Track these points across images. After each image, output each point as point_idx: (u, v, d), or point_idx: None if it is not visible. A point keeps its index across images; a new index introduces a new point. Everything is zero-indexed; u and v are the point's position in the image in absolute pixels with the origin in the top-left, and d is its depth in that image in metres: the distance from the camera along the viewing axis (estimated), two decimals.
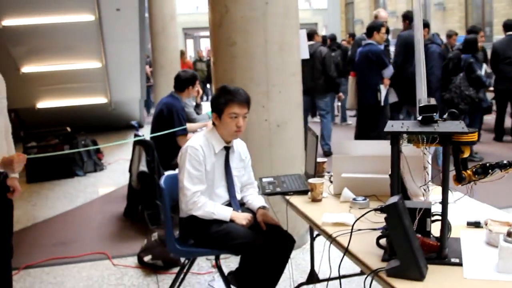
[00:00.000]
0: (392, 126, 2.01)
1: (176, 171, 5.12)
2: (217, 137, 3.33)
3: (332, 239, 2.32)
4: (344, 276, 3.49)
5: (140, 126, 12.88)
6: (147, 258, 4.30)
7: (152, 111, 13.20)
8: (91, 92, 10.45)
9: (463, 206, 2.60)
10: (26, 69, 8.84)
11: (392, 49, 7.78)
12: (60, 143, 8.12)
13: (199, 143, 3.28)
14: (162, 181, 3.46)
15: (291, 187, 3.19)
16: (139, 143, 5.36)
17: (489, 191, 2.67)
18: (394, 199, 1.82)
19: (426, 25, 6.87)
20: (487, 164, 2.05)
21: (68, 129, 8.38)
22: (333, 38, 11.93)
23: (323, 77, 7.98)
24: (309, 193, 2.97)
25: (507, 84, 8.17)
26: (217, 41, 4.35)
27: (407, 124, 2.03)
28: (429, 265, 1.90)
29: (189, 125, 5.69)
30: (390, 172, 2.14)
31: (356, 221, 2.19)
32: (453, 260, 1.96)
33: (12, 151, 3.24)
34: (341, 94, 9.31)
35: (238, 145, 3.48)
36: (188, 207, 3.24)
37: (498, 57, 8.29)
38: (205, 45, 30.35)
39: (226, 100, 3.22)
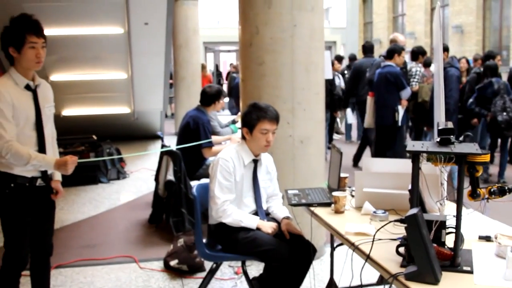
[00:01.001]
0: (413, 146, 2.25)
1: (201, 181, 5.42)
2: (246, 151, 3.58)
3: (354, 247, 2.55)
4: (363, 286, 3.70)
5: (160, 136, 13.18)
6: (173, 263, 4.54)
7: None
8: (115, 102, 10.77)
9: (476, 221, 2.83)
10: (55, 77, 9.15)
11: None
12: (86, 150, 8.41)
13: (230, 155, 3.54)
14: (194, 190, 3.70)
15: (315, 199, 3.43)
16: (167, 153, 5.62)
17: (500, 210, 2.89)
18: (414, 211, 2.05)
19: (446, 48, 7.10)
20: (506, 188, 2.28)
21: (94, 137, 8.67)
22: (352, 58, 12.18)
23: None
24: (333, 205, 3.21)
25: None
26: (247, 59, 4.62)
27: (427, 145, 2.27)
28: (443, 271, 2.13)
29: (214, 138, 5.95)
30: (408, 188, 2.37)
31: (377, 230, 2.42)
32: (465, 268, 2.19)
33: (56, 156, 3.51)
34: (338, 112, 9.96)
35: (265, 158, 3.73)
36: (218, 215, 3.48)
37: None
38: (224, 59, 30.78)
39: (258, 116, 3.47)
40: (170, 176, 5.41)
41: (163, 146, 6.01)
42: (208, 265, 4.57)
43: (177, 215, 5.33)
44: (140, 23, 8.48)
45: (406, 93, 7.17)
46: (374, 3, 23.29)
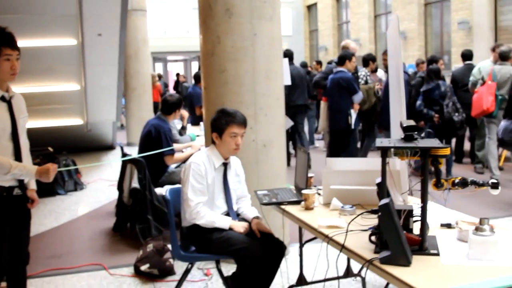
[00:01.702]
0: (381, 142, 2.47)
1: (164, 188, 5.54)
2: (216, 154, 3.74)
3: (329, 239, 2.75)
4: (329, 279, 3.90)
5: (112, 147, 13.18)
6: (144, 267, 4.64)
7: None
8: (68, 114, 10.72)
9: (436, 211, 3.07)
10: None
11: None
12: (42, 162, 8.32)
13: (201, 159, 3.69)
14: (167, 194, 3.83)
15: (285, 198, 3.61)
16: (131, 162, 5.71)
17: (456, 202, 3.15)
18: (386, 200, 2.26)
19: None
20: (468, 180, 2.52)
21: (50, 149, 8.64)
22: (304, 65, 12.51)
23: None
24: (303, 202, 3.40)
25: (465, 110, 8.79)
26: (209, 68, 4.77)
27: (393, 141, 2.48)
28: (412, 255, 2.34)
29: (175, 146, 6.08)
30: (376, 182, 2.58)
31: (351, 221, 2.64)
32: (432, 251, 2.42)
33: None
34: None
35: (234, 162, 3.90)
36: (192, 217, 3.63)
37: (457, 84, 8.91)
38: (171, 69, 30.77)
39: (227, 121, 3.64)
40: (135, 184, 5.50)
41: (124, 155, 6.08)
42: (178, 268, 4.73)
43: (143, 222, 5.42)
44: (94, 34, 8.53)
45: (358, 97, 7.47)
46: (319, 11, 23.81)
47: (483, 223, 2.31)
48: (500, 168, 8.28)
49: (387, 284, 3.97)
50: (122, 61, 9.83)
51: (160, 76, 16.98)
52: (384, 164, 2.45)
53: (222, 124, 3.65)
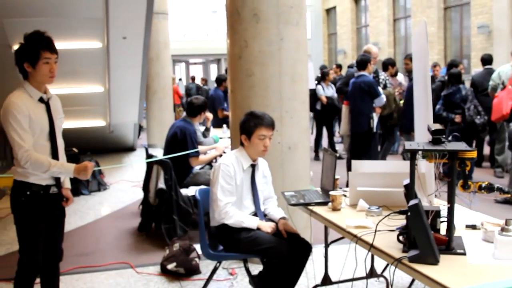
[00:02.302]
0: (410, 145, 2.55)
1: (188, 189, 5.66)
2: (245, 156, 3.84)
3: (357, 238, 2.84)
4: (353, 279, 3.99)
5: (133, 149, 13.37)
6: (170, 266, 4.75)
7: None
8: (91, 115, 10.90)
9: (461, 213, 3.15)
10: None
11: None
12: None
13: (231, 161, 3.80)
14: (197, 194, 3.94)
15: (312, 199, 3.71)
16: (157, 163, 5.83)
17: (482, 205, 3.22)
18: (415, 201, 2.35)
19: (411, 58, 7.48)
20: (495, 186, 2.61)
21: (75, 149, 8.80)
22: (323, 68, 12.61)
23: None
24: (330, 203, 3.49)
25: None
26: (236, 71, 4.88)
27: (422, 144, 2.57)
28: (440, 254, 2.42)
29: (200, 148, 6.20)
30: (396, 186, 2.67)
31: (379, 221, 2.72)
32: (458, 251, 2.50)
33: None
34: None
35: (262, 163, 4.00)
36: (221, 216, 3.73)
37: (477, 88, 8.94)
38: (192, 71, 31.00)
39: (256, 123, 3.74)
40: (161, 185, 5.62)
41: (150, 156, 6.21)
42: (203, 268, 4.84)
43: (169, 222, 5.54)
44: (119, 37, 8.66)
45: (380, 101, 7.54)
46: (338, 14, 23.87)
47: (509, 224, 2.39)
48: None
49: (410, 285, 4.06)
50: (145, 64, 9.98)
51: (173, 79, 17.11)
52: (412, 166, 2.54)
53: (251, 126, 3.75)
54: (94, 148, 11.07)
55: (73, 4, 7.80)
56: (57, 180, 3.51)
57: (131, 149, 13.34)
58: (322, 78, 11.07)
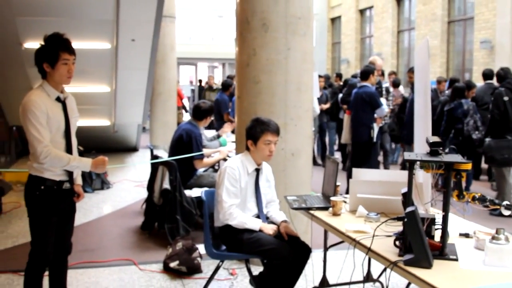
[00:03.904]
0: (409, 156, 2.71)
1: (192, 190, 5.81)
2: (250, 160, 4.00)
3: (356, 242, 2.99)
4: (350, 283, 4.14)
5: (136, 149, 13.53)
6: (173, 264, 4.90)
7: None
8: (96, 114, 11.04)
9: (454, 222, 3.31)
10: None
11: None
12: None
13: (236, 164, 3.96)
14: (202, 195, 4.10)
15: (314, 203, 3.86)
16: (163, 164, 5.99)
17: (474, 215, 3.37)
18: (412, 208, 2.50)
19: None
20: (487, 198, 2.76)
21: (81, 148, 8.94)
22: (327, 77, 12.79)
23: None
24: (330, 208, 3.65)
25: (485, 129, 8.98)
26: (243, 78, 5.05)
27: (420, 155, 2.73)
28: (433, 259, 2.58)
29: (204, 151, 6.36)
30: (394, 194, 2.83)
31: (377, 227, 2.88)
32: (451, 256, 2.66)
33: None
34: None
35: (266, 168, 4.16)
36: (225, 217, 3.89)
37: (477, 103, 9.10)
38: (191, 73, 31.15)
39: (262, 129, 3.90)
40: (166, 185, 5.78)
41: (156, 157, 6.36)
42: (204, 267, 4.99)
43: (172, 222, 5.69)
44: (128, 39, 8.83)
45: (381, 112, 7.70)
46: (342, 24, 24.06)
47: (499, 233, 2.55)
48: None
49: None
50: (152, 66, 10.15)
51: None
52: (411, 175, 2.69)
53: (258, 132, 3.91)
54: (97, 147, 11.18)
55: (85, 5, 7.97)
56: (70, 176, 3.66)
57: (134, 149, 13.49)
58: None
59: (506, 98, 6.96)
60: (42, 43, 3.55)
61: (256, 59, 4.91)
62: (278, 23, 4.83)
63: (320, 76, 11.02)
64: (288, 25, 4.84)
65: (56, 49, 3.49)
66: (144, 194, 7.95)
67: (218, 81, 22.20)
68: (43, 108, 3.42)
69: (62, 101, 3.61)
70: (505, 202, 2.78)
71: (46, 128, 3.43)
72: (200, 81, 22.98)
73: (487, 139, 7.17)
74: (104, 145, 11.97)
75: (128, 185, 9.30)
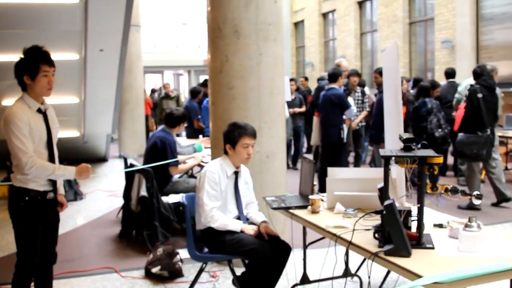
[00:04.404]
0: (384, 152, 2.86)
1: (169, 197, 5.89)
2: (229, 164, 4.12)
3: (337, 237, 3.13)
4: (329, 278, 4.28)
5: (105, 159, 13.49)
6: (155, 270, 4.98)
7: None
8: (65, 126, 10.98)
9: (429, 214, 3.48)
10: (7, 102, 9.38)
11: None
12: None
13: (216, 168, 4.07)
14: (183, 199, 4.20)
15: (292, 203, 4.00)
16: (139, 172, 6.05)
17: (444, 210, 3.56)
18: (390, 201, 2.65)
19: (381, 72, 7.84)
20: (459, 189, 2.94)
21: None
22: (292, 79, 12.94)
23: None
24: (309, 207, 3.79)
25: (449, 126, 9.26)
26: (217, 85, 5.16)
27: (395, 151, 2.89)
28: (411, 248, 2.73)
29: (179, 157, 6.44)
30: (370, 190, 2.98)
31: (357, 221, 3.03)
32: (428, 245, 2.82)
33: None
34: None
35: (244, 171, 4.28)
36: (207, 220, 3.99)
37: (441, 101, 9.39)
38: (155, 81, 31.06)
39: (240, 133, 4.02)
40: (144, 192, 5.85)
41: (131, 165, 6.43)
42: (185, 271, 5.08)
43: (151, 228, 5.75)
44: (96, 49, 8.86)
45: (349, 113, 7.90)
46: (305, 28, 24.33)
47: (471, 221, 2.72)
48: (482, 181, 8.73)
49: (382, 283, 4.38)
50: (121, 76, 10.19)
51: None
52: (386, 170, 2.85)
53: (236, 136, 4.03)
54: (67, 158, 11.09)
55: (53, 17, 7.98)
56: (54, 186, 3.73)
57: (103, 159, 13.46)
58: None
59: (480, 95, 7.17)
60: (22, 56, 3.61)
61: (229, 65, 5.03)
62: (249, 30, 4.96)
63: (291, 80, 11.21)
64: (259, 32, 4.98)
65: (36, 62, 3.56)
66: (118, 203, 8.00)
67: (174, 89, 22.16)
68: (25, 119, 3.48)
69: (43, 112, 3.67)
70: (475, 192, 2.96)
71: (30, 139, 3.49)
72: (153, 90, 22.64)
73: (460, 134, 7.36)
74: (74, 156, 11.82)
75: (101, 195, 9.30)
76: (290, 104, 10.60)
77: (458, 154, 7.61)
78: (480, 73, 7.45)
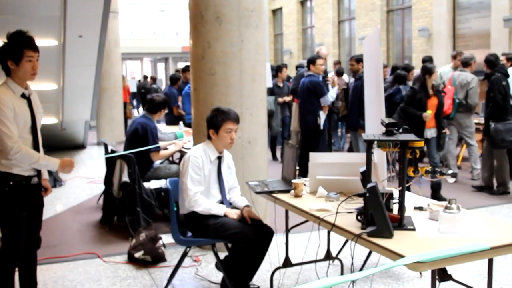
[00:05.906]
0: (367, 136, 2.93)
1: (150, 183, 5.92)
2: (212, 149, 4.16)
3: (320, 220, 3.20)
4: (311, 262, 4.37)
5: (84, 146, 13.43)
6: (138, 254, 5.01)
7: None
8: (44, 113, 10.91)
9: (410, 198, 3.57)
10: None
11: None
12: None
13: (199, 153, 4.12)
14: (167, 184, 4.24)
15: (275, 187, 4.06)
16: (121, 157, 6.06)
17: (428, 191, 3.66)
18: (373, 184, 2.72)
19: (360, 60, 7.94)
20: (437, 170, 3.03)
21: None
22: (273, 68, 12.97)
23: None
24: (292, 191, 3.85)
25: None
26: (199, 71, 5.18)
27: (377, 135, 2.96)
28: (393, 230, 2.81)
29: (160, 143, 6.46)
30: (352, 174, 3.06)
31: (339, 204, 3.11)
32: (409, 227, 2.90)
33: None
34: None
35: (227, 156, 4.33)
36: (191, 204, 4.04)
37: None
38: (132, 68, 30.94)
39: (223, 118, 4.07)
40: (125, 178, 5.86)
41: (112, 151, 6.43)
42: (168, 256, 5.13)
43: (133, 214, 5.77)
44: (75, 35, 8.77)
45: (325, 100, 7.97)
46: (284, 15, 24.35)
47: (451, 203, 2.81)
48: (458, 167, 8.90)
49: (363, 265, 4.48)
50: (100, 62, 10.12)
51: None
52: (369, 154, 2.92)
53: (219, 121, 4.07)
54: (44, 145, 11.03)
55: (32, 2, 7.88)
56: (38, 171, 3.74)
57: (81, 146, 13.40)
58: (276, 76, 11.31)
59: (504, 83, 7.21)
60: (5, 40, 3.59)
61: (211, 51, 5.05)
62: (231, 16, 4.98)
63: (284, 66, 11.07)
64: (241, 18, 5.01)
65: (20, 47, 3.55)
66: (97, 190, 8.01)
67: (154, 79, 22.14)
68: (9, 104, 3.48)
69: (27, 97, 3.67)
70: (449, 171, 3.06)
71: (14, 124, 3.49)
72: (146, 76, 22.77)
73: (492, 124, 7.24)
74: (52, 143, 11.76)
75: (81, 182, 9.28)
76: (279, 93, 10.56)
77: (496, 143, 7.28)
78: (496, 61, 7.44)
